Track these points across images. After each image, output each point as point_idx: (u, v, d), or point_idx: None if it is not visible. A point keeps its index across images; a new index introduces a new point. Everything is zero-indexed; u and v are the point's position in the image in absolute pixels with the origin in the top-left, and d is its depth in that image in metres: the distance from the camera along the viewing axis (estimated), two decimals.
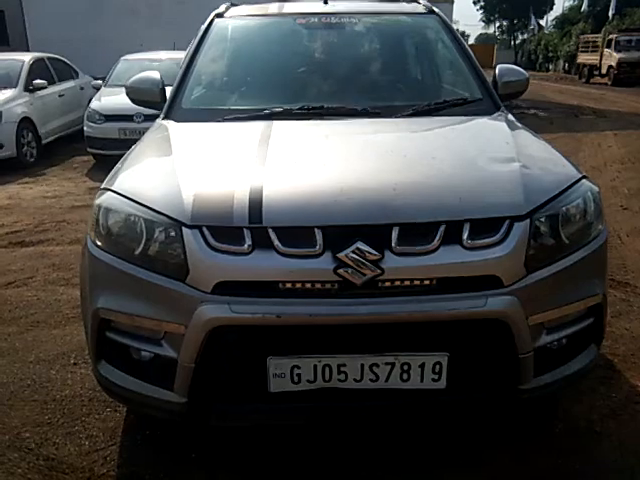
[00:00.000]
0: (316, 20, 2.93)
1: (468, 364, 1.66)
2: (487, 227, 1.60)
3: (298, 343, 1.60)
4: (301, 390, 1.64)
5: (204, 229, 1.58)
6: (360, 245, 1.52)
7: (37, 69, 8.19)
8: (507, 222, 1.60)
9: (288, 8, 3.08)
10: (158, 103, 2.70)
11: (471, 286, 1.58)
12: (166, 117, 2.51)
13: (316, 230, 1.54)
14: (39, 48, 10.39)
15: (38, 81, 7.82)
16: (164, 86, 2.73)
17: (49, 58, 8.87)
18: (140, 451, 2.05)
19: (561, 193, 1.73)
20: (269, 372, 1.61)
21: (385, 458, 1.97)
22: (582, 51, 26.09)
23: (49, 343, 2.86)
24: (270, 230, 1.56)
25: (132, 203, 1.71)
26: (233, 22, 3.03)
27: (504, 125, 2.28)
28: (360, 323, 1.57)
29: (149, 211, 1.66)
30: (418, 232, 1.57)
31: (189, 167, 1.86)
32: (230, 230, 1.58)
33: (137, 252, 1.67)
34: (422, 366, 1.62)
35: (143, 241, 1.66)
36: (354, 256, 1.52)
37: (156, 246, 1.64)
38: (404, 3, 3.31)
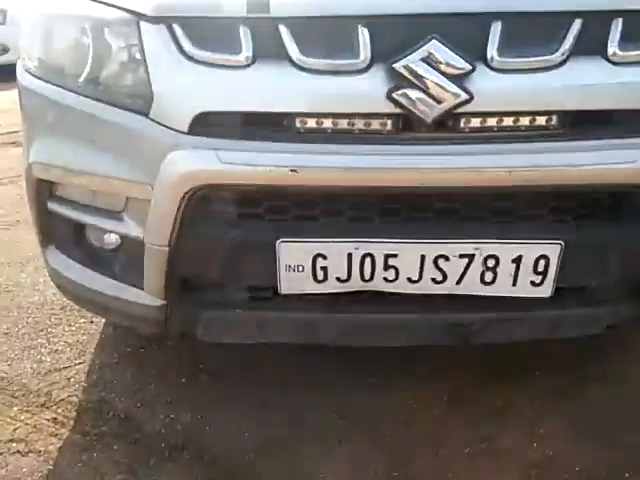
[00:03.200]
0: None
1: (587, 262, 1.06)
2: None
3: (325, 217, 1.03)
4: (327, 293, 1.08)
5: (175, 26, 0.97)
6: (436, 46, 0.89)
7: None
8: None
9: None
10: None
11: (614, 128, 0.96)
12: None
13: (359, 26, 0.92)
14: None
15: None
16: None
17: None
18: (114, 372, 1.56)
19: None
20: (279, 263, 1.04)
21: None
22: None
23: (25, 243, 2.38)
24: (282, 27, 0.93)
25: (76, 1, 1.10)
26: None
27: None
28: (425, 187, 0.96)
29: (99, 5, 1.05)
30: (535, 31, 0.93)
31: None
32: (216, 26, 0.96)
33: (83, 76, 1.08)
34: (517, 261, 1.02)
35: (90, 56, 1.06)
36: (424, 67, 0.90)
37: (105, 60, 1.04)
38: None
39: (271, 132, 0.97)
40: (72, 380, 1.53)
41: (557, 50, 0.92)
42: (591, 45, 0.93)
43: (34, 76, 1.17)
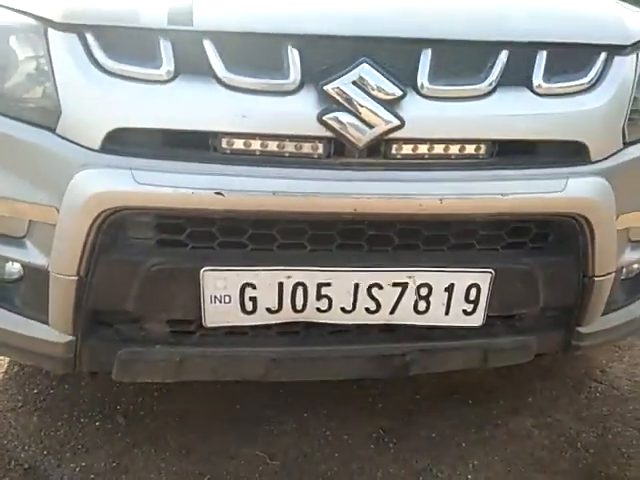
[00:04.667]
0: None
1: (516, 290, 1.06)
2: (571, 61, 0.97)
3: (253, 244, 0.96)
4: (256, 325, 1.01)
5: (87, 34, 0.89)
6: (367, 70, 0.87)
7: None
8: (603, 56, 0.98)
9: None
10: None
11: (541, 157, 0.97)
12: None
13: (289, 45, 0.88)
14: None
15: None
16: None
17: None
18: (18, 417, 1.39)
19: None
20: (204, 294, 0.96)
21: None
22: None
23: None
24: (207, 41, 0.88)
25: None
26: None
27: None
28: (356, 214, 0.93)
29: (3, 10, 0.95)
30: (463, 60, 0.93)
31: None
32: (134, 37, 0.89)
33: None
34: (450, 289, 1.01)
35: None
36: (355, 90, 0.87)
37: (8, 69, 0.93)
38: None
39: (194, 152, 0.91)
40: None
41: (485, 79, 0.93)
42: (517, 76, 0.95)
43: None
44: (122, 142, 0.89)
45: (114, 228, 0.91)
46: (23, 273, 1.06)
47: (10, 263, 1.07)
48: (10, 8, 0.94)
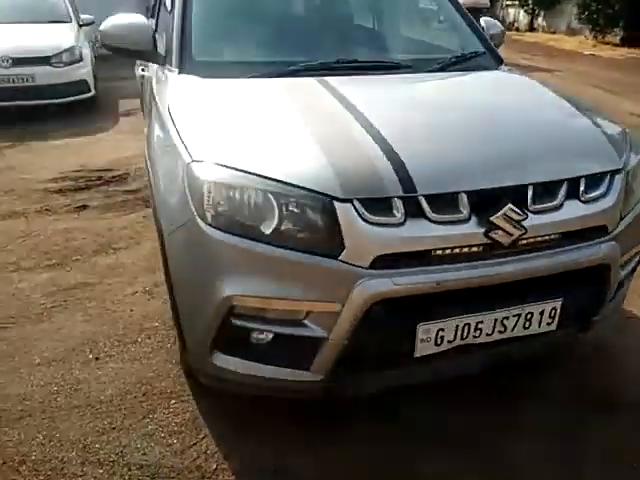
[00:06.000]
0: None
1: (572, 304, 1.84)
2: (596, 181, 1.76)
3: (447, 306, 1.64)
4: (440, 351, 1.70)
5: (355, 202, 1.51)
6: (510, 208, 1.58)
7: None
8: (609, 175, 1.78)
9: None
10: (148, 52, 2.39)
11: (586, 236, 1.75)
12: (181, 71, 2.23)
13: (463, 195, 1.56)
14: None
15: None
16: (155, 32, 2.41)
17: None
18: (242, 434, 1.94)
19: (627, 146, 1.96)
20: (417, 338, 1.63)
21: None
22: None
23: (45, 341, 2.49)
24: (421, 198, 1.54)
25: (257, 178, 1.54)
26: None
27: (531, 80, 2.46)
28: (503, 281, 1.65)
29: (284, 186, 1.52)
30: (547, 190, 1.67)
31: (294, 133, 1.72)
32: (381, 201, 1.53)
33: (269, 231, 1.53)
34: (542, 313, 1.76)
35: (276, 218, 1.52)
36: (505, 218, 1.58)
37: (299, 223, 1.52)
38: None
39: (419, 261, 1.56)
40: (209, 451, 1.88)
41: (558, 198, 1.68)
42: (572, 194, 1.70)
43: (219, 229, 1.56)
44: (381, 261, 1.52)
45: (378, 311, 1.54)
46: (285, 340, 1.64)
47: (275, 334, 1.64)
48: (295, 185, 1.52)
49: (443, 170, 1.60)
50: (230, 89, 2.11)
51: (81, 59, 6.47)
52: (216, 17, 2.51)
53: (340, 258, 1.52)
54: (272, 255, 1.53)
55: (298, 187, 1.51)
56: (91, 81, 6.60)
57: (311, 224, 1.52)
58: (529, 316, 1.75)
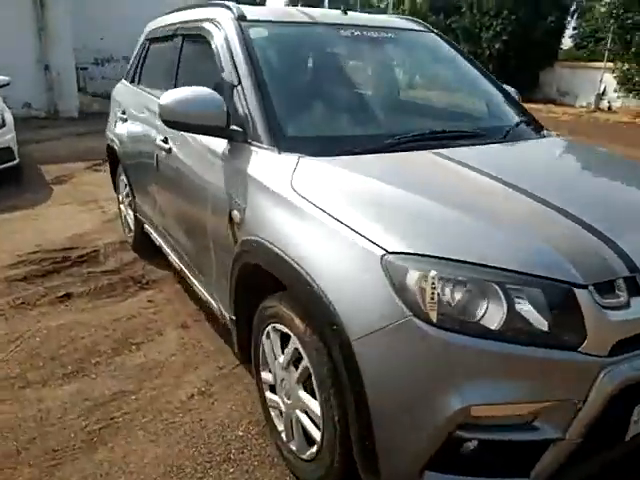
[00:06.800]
0: (358, 33, 2.72)
1: None
2: None
3: None
4: None
5: (590, 287, 1.42)
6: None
7: None
8: None
9: (311, 15, 2.74)
10: (222, 129, 2.14)
11: None
12: (281, 150, 1.98)
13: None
14: None
15: None
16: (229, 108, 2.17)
17: None
18: None
19: None
20: (631, 420, 1.55)
21: None
22: None
23: (118, 477, 2.00)
24: (638, 276, 1.50)
25: (481, 268, 1.39)
26: (266, 29, 2.56)
27: (586, 145, 2.63)
28: None
29: (514, 275, 1.39)
30: None
31: (473, 213, 1.60)
32: (607, 283, 1.46)
33: (494, 326, 1.38)
34: None
35: (505, 311, 1.38)
36: None
37: (531, 315, 1.38)
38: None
39: None
40: None
41: None
42: None
43: (446, 329, 1.38)
44: (619, 347, 1.42)
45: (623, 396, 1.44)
46: (509, 446, 1.45)
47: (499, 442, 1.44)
48: (551, 278, 1.40)
49: None
50: (358, 168, 1.90)
51: (4, 124, 5.71)
52: (293, 89, 2.33)
53: (581, 349, 1.41)
54: (506, 353, 1.38)
55: (533, 276, 1.39)
56: (15, 148, 5.83)
57: (547, 315, 1.40)
58: None
